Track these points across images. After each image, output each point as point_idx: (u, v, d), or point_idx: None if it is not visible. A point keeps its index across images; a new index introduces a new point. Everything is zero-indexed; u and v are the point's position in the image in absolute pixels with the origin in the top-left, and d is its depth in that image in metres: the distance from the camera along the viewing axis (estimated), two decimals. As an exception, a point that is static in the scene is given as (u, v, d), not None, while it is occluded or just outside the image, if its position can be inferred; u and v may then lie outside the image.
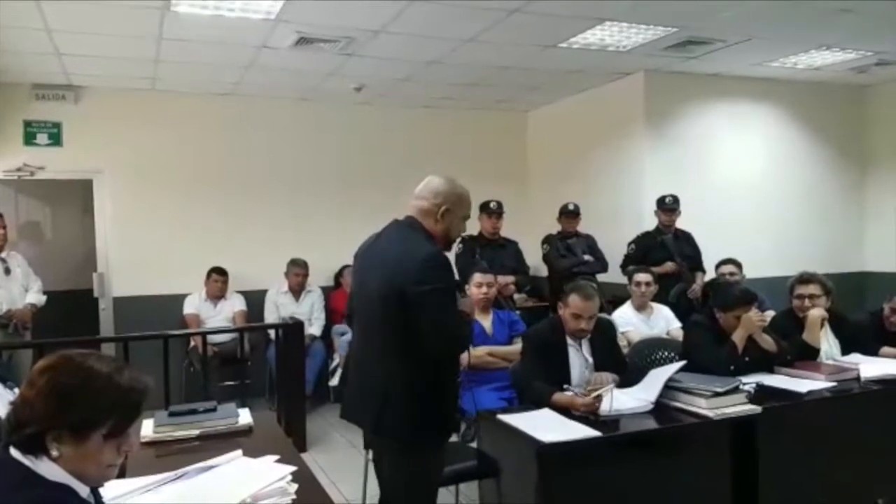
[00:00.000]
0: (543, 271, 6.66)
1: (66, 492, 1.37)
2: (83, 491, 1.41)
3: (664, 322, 4.93)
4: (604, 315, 4.26)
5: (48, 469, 1.35)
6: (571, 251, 6.09)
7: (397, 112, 7.39)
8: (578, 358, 3.43)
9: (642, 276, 4.95)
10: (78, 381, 1.38)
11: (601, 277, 5.89)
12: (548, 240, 6.23)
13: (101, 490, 1.57)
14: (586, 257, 6.03)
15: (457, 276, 2.69)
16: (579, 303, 3.36)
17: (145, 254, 6.52)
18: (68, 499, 1.37)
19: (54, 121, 6.29)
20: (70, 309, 6.15)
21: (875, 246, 7.26)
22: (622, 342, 4.49)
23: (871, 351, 3.85)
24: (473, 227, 5.99)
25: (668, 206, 5.83)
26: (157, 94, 6.53)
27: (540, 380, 3.20)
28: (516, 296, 5.99)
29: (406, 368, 2.45)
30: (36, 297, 5.36)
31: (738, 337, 3.50)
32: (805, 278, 3.92)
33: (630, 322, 4.84)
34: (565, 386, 3.20)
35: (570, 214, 6.22)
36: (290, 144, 7.06)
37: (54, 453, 1.35)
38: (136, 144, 6.51)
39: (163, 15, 4.47)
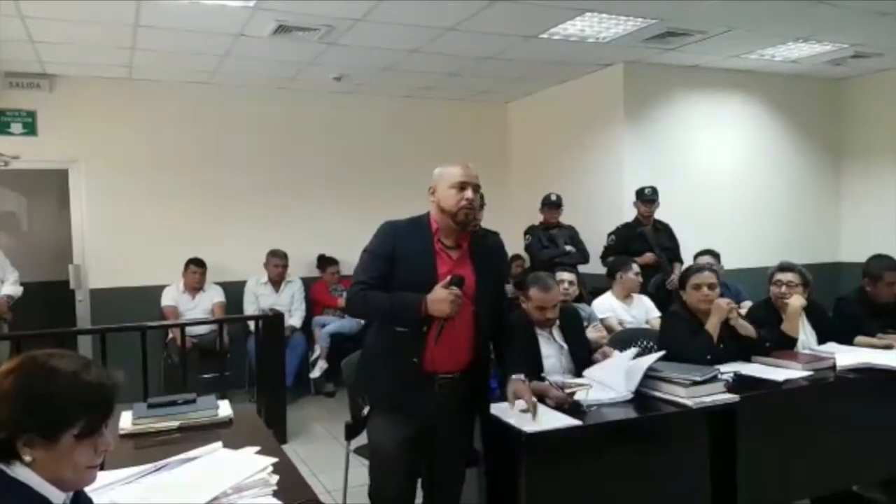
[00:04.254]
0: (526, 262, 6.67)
1: (35, 500, 1.32)
2: (58, 498, 1.36)
3: (644, 311, 5.01)
4: (574, 304, 4.31)
5: (21, 475, 1.32)
6: (553, 242, 6.11)
7: (377, 102, 7.35)
8: (552, 346, 3.45)
9: (636, 267, 5.08)
10: (43, 381, 1.33)
11: (582, 269, 5.92)
12: (530, 230, 6.24)
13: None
14: (568, 248, 6.05)
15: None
16: (540, 294, 3.39)
17: (122, 245, 6.45)
18: None
19: (29, 109, 6.20)
20: (46, 301, 6.08)
21: (849, 237, 7.37)
22: (600, 333, 4.52)
23: (848, 340, 3.90)
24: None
25: (647, 197, 5.87)
26: (134, 83, 6.46)
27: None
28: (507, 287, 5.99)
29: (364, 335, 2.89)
30: (13, 289, 5.28)
31: (711, 325, 3.52)
32: (785, 266, 3.97)
33: (610, 309, 4.89)
34: (543, 375, 3.23)
35: (552, 205, 6.23)
36: (269, 134, 7.00)
37: (27, 458, 1.31)
38: (113, 134, 6.44)
39: (139, 2, 4.41)
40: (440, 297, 2.46)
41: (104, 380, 1.39)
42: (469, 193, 2.58)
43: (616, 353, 3.59)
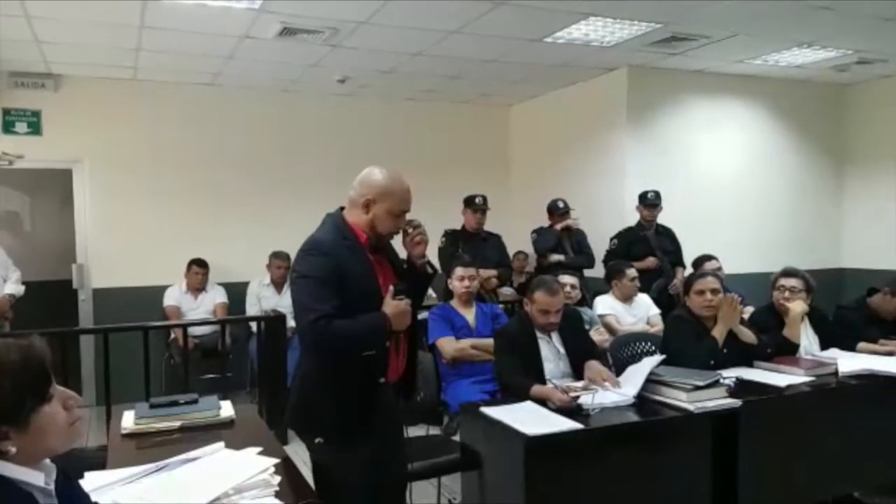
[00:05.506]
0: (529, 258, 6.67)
1: (13, 489, 1.32)
2: (38, 479, 1.36)
3: (645, 308, 5.07)
4: (576, 307, 4.32)
5: (3, 470, 1.32)
6: (560, 244, 6.08)
7: (380, 105, 7.36)
8: (551, 350, 3.47)
9: (632, 272, 5.09)
10: None
11: (585, 272, 5.92)
12: (538, 230, 6.21)
13: (82, 482, 1.54)
14: (553, 258, 5.96)
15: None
16: (546, 298, 3.40)
17: (125, 245, 6.46)
18: (26, 500, 1.33)
19: (33, 109, 6.21)
20: (49, 300, 6.09)
21: (852, 243, 7.37)
22: (602, 336, 4.53)
23: (849, 346, 3.90)
24: (457, 221, 6.01)
25: (650, 201, 5.86)
26: (138, 84, 6.47)
27: (517, 374, 3.23)
28: (505, 290, 5.99)
29: (302, 359, 2.58)
30: (15, 288, 5.30)
31: (718, 331, 3.54)
32: (789, 272, 3.99)
33: (611, 308, 4.92)
34: (548, 378, 3.23)
35: (559, 211, 6.17)
36: (272, 136, 7.01)
37: (13, 450, 1.31)
38: (117, 134, 6.44)
39: (144, 3, 4.42)
40: (401, 310, 2.41)
41: (27, 351, 1.37)
42: (404, 222, 2.53)
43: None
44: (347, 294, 2.39)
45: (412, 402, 2.80)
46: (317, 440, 2.48)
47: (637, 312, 5.00)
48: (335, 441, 2.45)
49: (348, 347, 2.40)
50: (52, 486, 1.39)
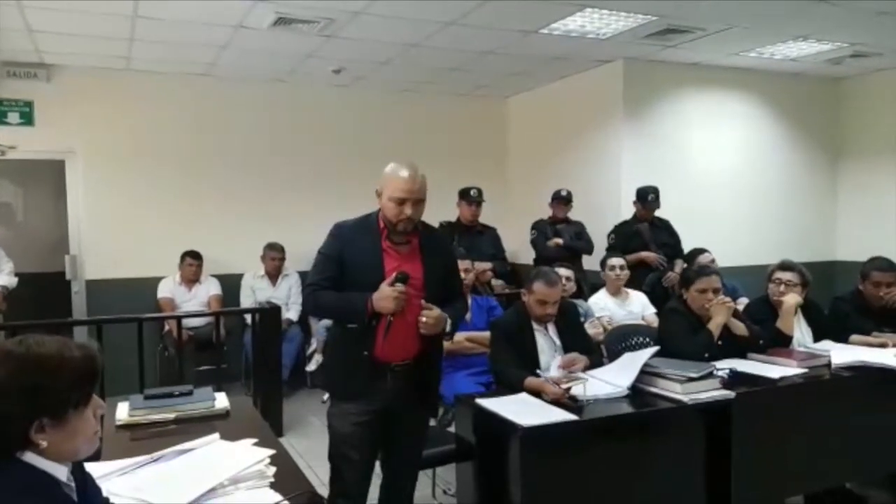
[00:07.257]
0: (521, 258, 6.66)
1: (42, 477, 1.35)
2: (63, 474, 1.39)
3: (640, 306, 5.04)
4: (572, 300, 4.33)
5: (29, 458, 1.34)
6: (559, 236, 6.09)
7: (376, 96, 7.34)
8: (546, 342, 3.48)
9: (615, 261, 5.10)
10: (34, 371, 1.33)
11: (585, 266, 5.92)
12: (536, 225, 6.21)
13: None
14: (551, 243, 5.99)
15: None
16: (544, 289, 3.40)
17: (119, 236, 6.44)
18: (52, 487, 1.36)
19: (26, 99, 6.17)
20: (42, 291, 6.07)
21: (846, 236, 7.39)
22: (598, 329, 4.55)
23: (843, 338, 3.91)
24: (452, 213, 6.00)
25: (649, 203, 5.81)
26: (132, 74, 6.43)
27: (512, 366, 3.24)
28: (495, 282, 6.00)
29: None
30: (7, 280, 5.27)
31: (714, 325, 3.55)
32: (786, 265, 3.99)
33: (606, 307, 4.92)
34: (538, 371, 3.24)
35: (561, 200, 6.19)
36: (267, 127, 6.98)
37: (43, 444, 1.33)
38: (110, 125, 6.41)
39: (138, -7, 4.40)
40: (384, 295, 2.55)
41: (86, 352, 1.42)
42: (408, 210, 2.61)
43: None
44: (350, 273, 2.68)
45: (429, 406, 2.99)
46: (324, 397, 2.90)
47: (631, 308, 4.99)
48: (334, 400, 2.82)
49: (327, 314, 3.01)
50: (73, 483, 1.43)
